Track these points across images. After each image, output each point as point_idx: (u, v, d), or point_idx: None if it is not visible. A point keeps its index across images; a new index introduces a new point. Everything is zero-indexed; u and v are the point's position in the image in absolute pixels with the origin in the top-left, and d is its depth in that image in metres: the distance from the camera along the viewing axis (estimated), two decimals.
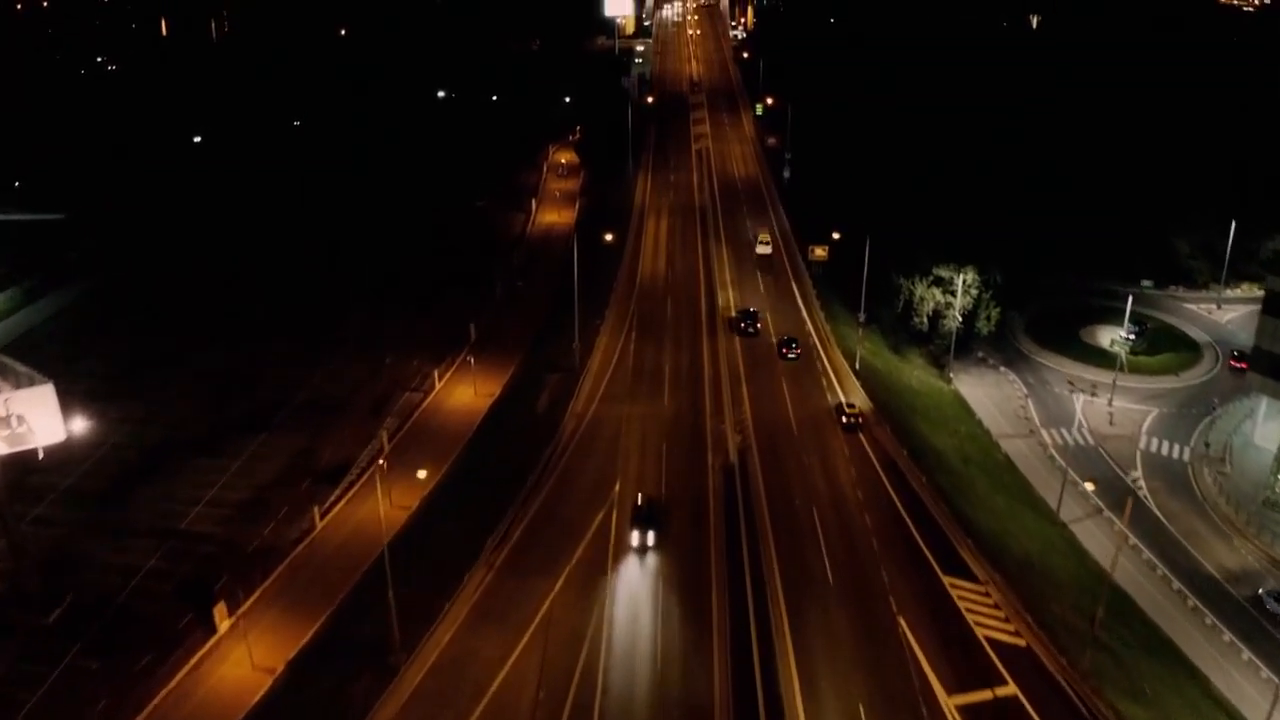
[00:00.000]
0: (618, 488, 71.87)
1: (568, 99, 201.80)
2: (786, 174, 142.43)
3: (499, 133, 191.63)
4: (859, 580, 62.99)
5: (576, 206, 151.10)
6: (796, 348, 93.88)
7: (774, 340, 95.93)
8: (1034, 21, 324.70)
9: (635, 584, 63.45)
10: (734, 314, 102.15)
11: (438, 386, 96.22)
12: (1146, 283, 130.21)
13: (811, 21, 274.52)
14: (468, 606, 61.27)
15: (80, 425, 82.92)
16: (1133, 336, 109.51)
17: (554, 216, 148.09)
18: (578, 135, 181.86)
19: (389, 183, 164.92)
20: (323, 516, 76.46)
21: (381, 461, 79.01)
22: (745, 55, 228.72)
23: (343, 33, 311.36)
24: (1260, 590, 76.60)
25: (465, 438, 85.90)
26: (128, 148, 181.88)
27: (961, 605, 61.42)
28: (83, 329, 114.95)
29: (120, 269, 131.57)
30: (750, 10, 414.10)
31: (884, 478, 73.72)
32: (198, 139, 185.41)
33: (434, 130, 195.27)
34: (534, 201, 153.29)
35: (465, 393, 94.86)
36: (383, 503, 65.44)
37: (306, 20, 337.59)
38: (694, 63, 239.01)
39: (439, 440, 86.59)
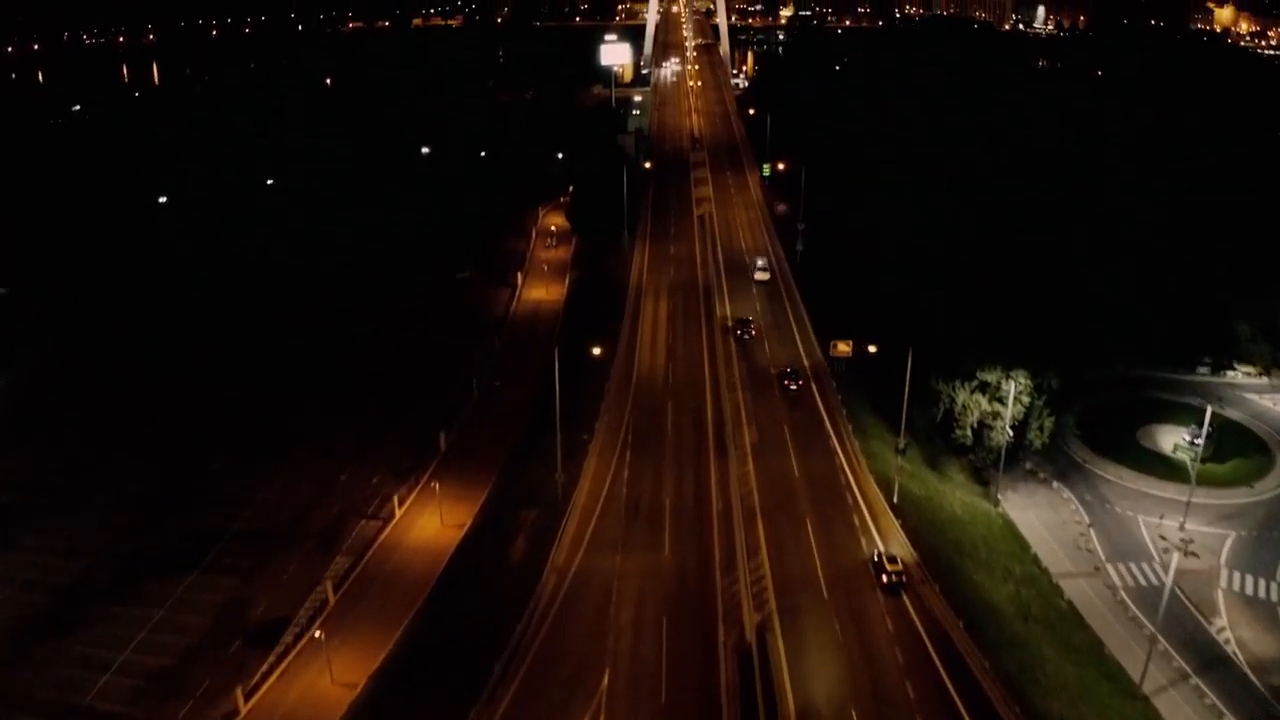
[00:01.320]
0: (606, 681, 57.43)
1: (560, 155, 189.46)
2: (799, 247, 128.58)
3: (486, 193, 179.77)
4: None
5: (566, 281, 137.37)
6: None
7: (796, 471, 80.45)
8: (1040, 63, 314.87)
9: None
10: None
11: (398, 515, 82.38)
12: (1203, 370, 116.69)
13: (814, 72, 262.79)
14: None
15: None
16: (1199, 441, 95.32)
17: (541, 292, 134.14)
18: (569, 198, 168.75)
19: (364, 248, 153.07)
20: (250, 696, 63.75)
21: (319, 633, 65.02)
22: (751, 112, 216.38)
23: (328, 82, 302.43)
24: None
25: (425, 589, 72.14)
26: (88, 210, 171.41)
27: None
28: (6, 428, 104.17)
29: (54, 355, 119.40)
30: (751, 56, 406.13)
31: (939, 662, 59.10)
32: (163, 199, 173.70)
33: (417, 189, 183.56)
34: (520, 274, 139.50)
35: (430, 522, 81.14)
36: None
37: (293, 69, 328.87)
38: (695, 115, 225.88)
39: (395, 590, 73.33)
